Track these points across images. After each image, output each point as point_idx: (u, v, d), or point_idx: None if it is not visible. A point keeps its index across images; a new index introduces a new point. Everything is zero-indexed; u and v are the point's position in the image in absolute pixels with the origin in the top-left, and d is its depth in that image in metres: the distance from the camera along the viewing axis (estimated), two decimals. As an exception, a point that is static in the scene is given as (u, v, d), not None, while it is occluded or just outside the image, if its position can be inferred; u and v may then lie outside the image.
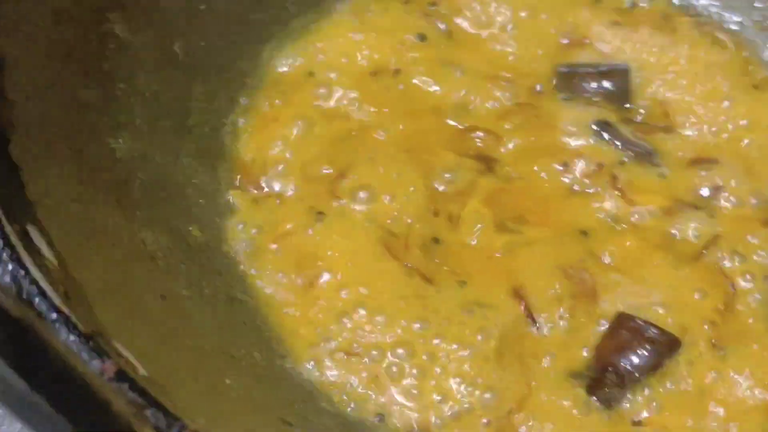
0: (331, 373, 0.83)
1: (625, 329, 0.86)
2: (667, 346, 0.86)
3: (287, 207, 0.92)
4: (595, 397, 0.85)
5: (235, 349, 0.80)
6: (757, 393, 0.85)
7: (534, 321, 0.86)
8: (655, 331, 0.86)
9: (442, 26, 1.06)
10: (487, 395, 0.83)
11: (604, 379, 0.85)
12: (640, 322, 0.86)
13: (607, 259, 0.91)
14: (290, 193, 0.93)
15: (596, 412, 0.84)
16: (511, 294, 0.87)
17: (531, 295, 0.88)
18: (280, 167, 0.94)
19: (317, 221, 0.91)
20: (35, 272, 0.59)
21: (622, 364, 0.85)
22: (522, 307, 0.87)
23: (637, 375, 0.85)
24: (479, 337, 0.85)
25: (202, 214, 0.88)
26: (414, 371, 0.84)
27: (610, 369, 0.85)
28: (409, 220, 0.91)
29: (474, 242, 0.91)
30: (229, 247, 0.88)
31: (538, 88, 1.03)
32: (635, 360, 0.85)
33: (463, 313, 0.86)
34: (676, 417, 0.85)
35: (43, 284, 0.59)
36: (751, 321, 0.89)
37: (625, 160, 0.98)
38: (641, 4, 1.10)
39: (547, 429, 0.83)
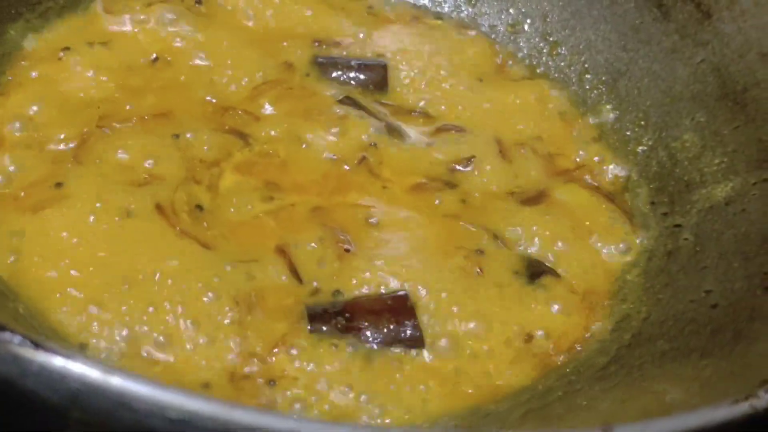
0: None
1: (393, 300, 0.83)
2: (411, 341, 0.82)
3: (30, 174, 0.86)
4: (310, 326, 0.80)
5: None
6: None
7: (298, 278, 0.83)
8: (411, 323, 0.82)
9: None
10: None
11: (331, 320, 0.81)
12: (410, 306, 0.83)
13: (373, 220, 0.90)
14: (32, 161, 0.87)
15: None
16: (275, 252, 0.84)
17: (295, 254, 0.85)
18: (20, 139, 0.88)
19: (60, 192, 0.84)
20: None
21: (364, 323, 0.81)
22: (287, 264, 0.84)
23: (370, 339, 0.81)
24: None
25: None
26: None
27: (347, 315, 0.81)
28: (170, 187, 0.86)
29: (235, 209, 0.88)
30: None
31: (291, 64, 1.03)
32: (376, 330, 0.82)
33: (228, 267, 0.81)
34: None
35: None
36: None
37: (375, 136, 0.97)
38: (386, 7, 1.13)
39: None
